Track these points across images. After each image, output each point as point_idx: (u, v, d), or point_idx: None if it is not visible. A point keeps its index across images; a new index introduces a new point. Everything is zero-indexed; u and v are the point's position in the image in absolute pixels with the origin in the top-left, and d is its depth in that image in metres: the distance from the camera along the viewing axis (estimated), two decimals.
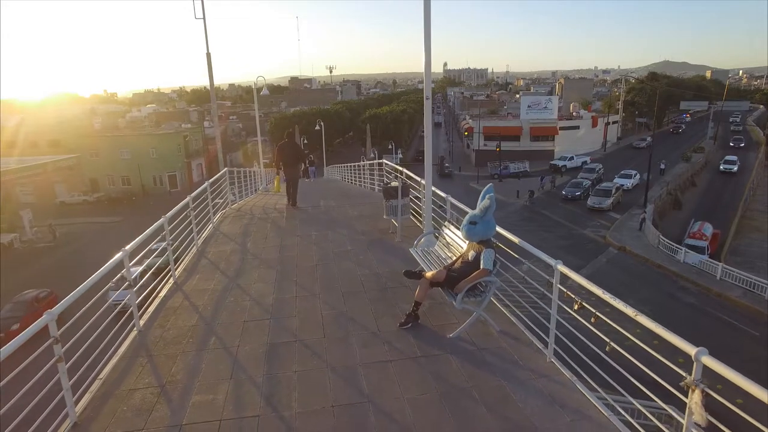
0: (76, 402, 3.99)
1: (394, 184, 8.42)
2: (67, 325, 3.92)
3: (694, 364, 2.73)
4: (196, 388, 4.24)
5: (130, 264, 5.13)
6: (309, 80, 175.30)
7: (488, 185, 5.49)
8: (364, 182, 16.86)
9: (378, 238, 8.68)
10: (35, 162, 38.52)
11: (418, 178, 9.05)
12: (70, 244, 35.37)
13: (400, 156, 56.31)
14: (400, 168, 10.15)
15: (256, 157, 49.49)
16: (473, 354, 4.64)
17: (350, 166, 20.16)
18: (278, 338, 5.08)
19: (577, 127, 60.88)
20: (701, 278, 23.58)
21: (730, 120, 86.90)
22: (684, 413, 2.87)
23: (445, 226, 6.49)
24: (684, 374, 2.81)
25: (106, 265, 4.70)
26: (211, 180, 9.86)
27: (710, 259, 24.78)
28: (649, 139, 47.70)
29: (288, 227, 9.87)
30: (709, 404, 2.69)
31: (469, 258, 5.00)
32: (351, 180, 19.53)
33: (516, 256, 5.05)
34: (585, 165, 51.10)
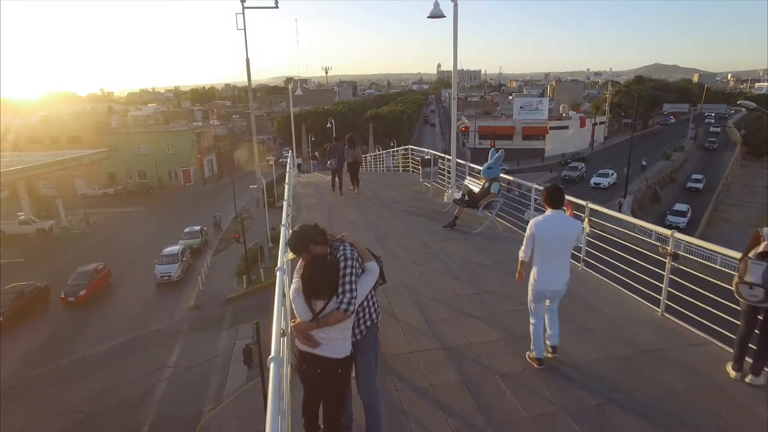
0: None
1: (427, 157, 12.17)
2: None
3: (670, 239, 6.33)
4: None
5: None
6: (305, 81, 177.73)
7: (492, 151, 9.14)
8: (383, 166, 20.66)
9: (415, 195, 12.42)
10: (69, 156, 41.75)
11: (443, 154, 12.80)
12: (102, 230, 38.83)
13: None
14: (427, 150, 13.79)
15: (263, 155, 53.19)
16: (490, 237, 8.43)
17: (371, 155, 23.87)
18: (380, 233, 8.81)
19: (566, 127, 65.10)
20: None
21: (707, 139, 71.95)
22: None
23: (467, 178, 10.25)
24: (663, 246, 6.53)
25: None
26: (289, 157, 13.56)
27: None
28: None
29: (346, 190, 13.58)
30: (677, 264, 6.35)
31: (485, 187, 8.73)
32: (370, 167, 23.22)
33: (525, 201, 8.78)
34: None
